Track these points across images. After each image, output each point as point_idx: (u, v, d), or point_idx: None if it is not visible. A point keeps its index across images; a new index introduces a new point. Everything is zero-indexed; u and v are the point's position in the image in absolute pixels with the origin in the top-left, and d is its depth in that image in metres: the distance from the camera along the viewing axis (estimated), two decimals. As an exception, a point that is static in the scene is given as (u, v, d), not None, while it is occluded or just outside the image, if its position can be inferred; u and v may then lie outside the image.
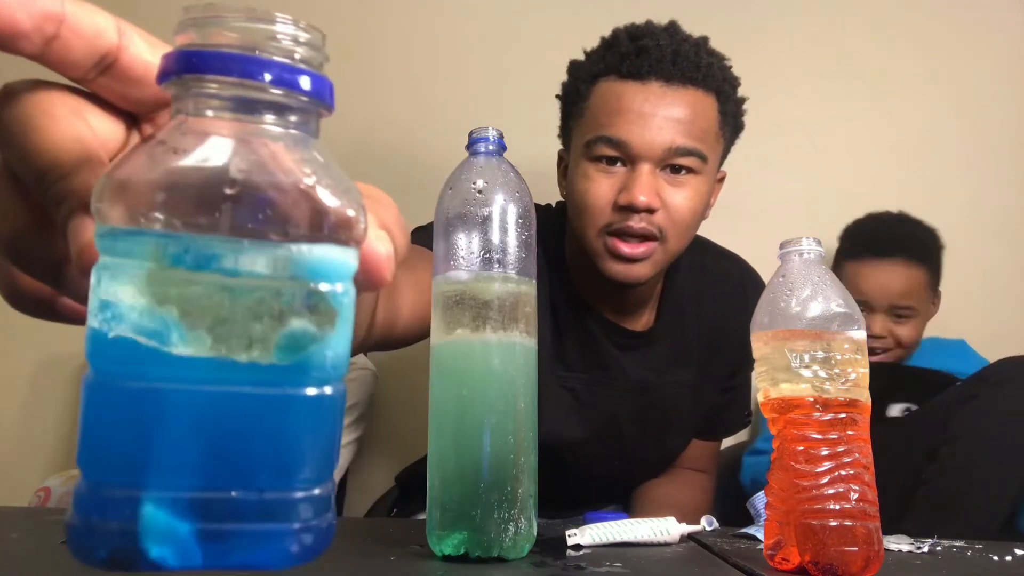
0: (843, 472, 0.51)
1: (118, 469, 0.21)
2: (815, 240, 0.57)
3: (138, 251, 0.21)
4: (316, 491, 0.23)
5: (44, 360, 1.58)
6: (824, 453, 0.52)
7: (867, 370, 0.54)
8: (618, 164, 0.91)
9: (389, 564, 0.52)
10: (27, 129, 0.22)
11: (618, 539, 0.61)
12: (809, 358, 0.53)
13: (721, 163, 1.00)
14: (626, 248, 0.90)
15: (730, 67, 0.98)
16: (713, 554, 0.60)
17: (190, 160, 0.21)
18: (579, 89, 0.97)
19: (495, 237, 0.54)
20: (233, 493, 0.21)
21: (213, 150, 0.21)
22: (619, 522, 0.62)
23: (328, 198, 0.22)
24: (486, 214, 0.54)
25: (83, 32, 0.23)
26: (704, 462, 1.16)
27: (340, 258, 0.23)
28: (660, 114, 0.89)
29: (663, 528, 0.63)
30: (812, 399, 0.52)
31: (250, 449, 0.22)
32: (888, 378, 1.29)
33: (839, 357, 0.53)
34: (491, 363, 0.53)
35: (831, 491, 0.51)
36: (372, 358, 1.42)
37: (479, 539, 0.51)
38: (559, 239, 1.05)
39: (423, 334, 0.71)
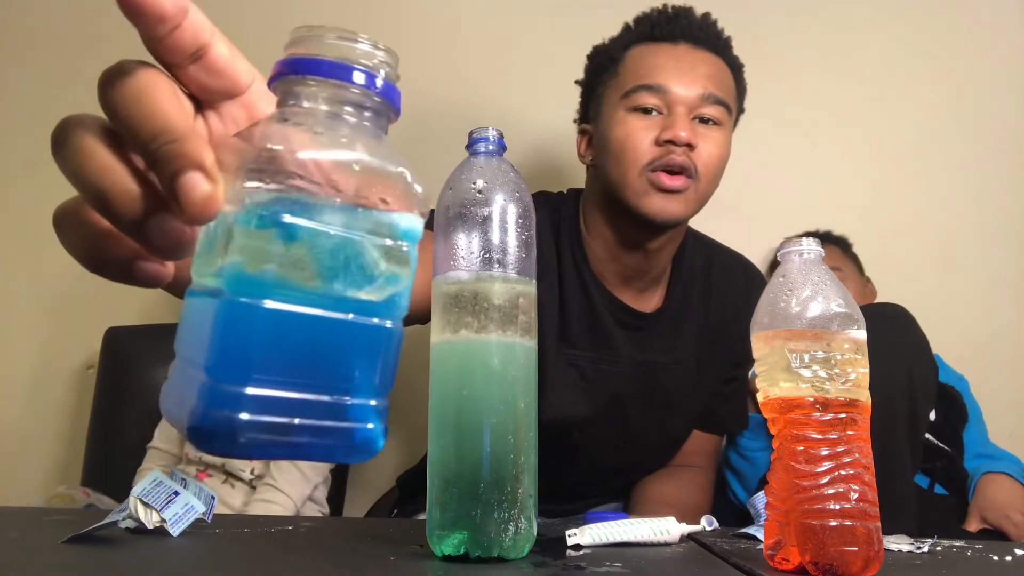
0: (843, 472, 0.51)
1: (242, 372, 0.26)
2: (815, 240, 0.57)
3: (283, 206, 0.27)
4: (379, 402, 0.29)
5: (44, 361, 1.58)
6: (824, 453, 0.52)
7: (867, 370, 0.54)
8: (654, 113, 0.98)
9: (389, 564, 0.52)
10: (143, 97, 0.26)
11: (618, 539, 0.61)
12: (809, 358, 0.53)
13: (731, 135, 1.05)
14: (668, 180, 0.96)
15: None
16: (713, 554, 0.60)
17: (324, 139, 0.28)
18: (612, 56, 1.05)
19: (495, 237, 0.54)
20: (326, 397, 0.28)
21: (338, 133, 0.28)
22: (619, 522, 0.62)
23: (411, 181, 0.29)
24: (486, 214, 0.54)
25: (196, 26, 0.28)
26: (704, 458, 1.17)
27: (416, 225, 0.30)
28: (692, 68, 0.99)
29: (663, 528, 0.63)
30: (812, 399, 0.52)
31: (344, 363, 0.28)
32: None
33: (839, 357, 0.53)
34: (491, 363, 0.53)
35: (831, 491, 0.51)
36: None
37: (479, 539, 0.51)
38: (575, 220, 1.09)
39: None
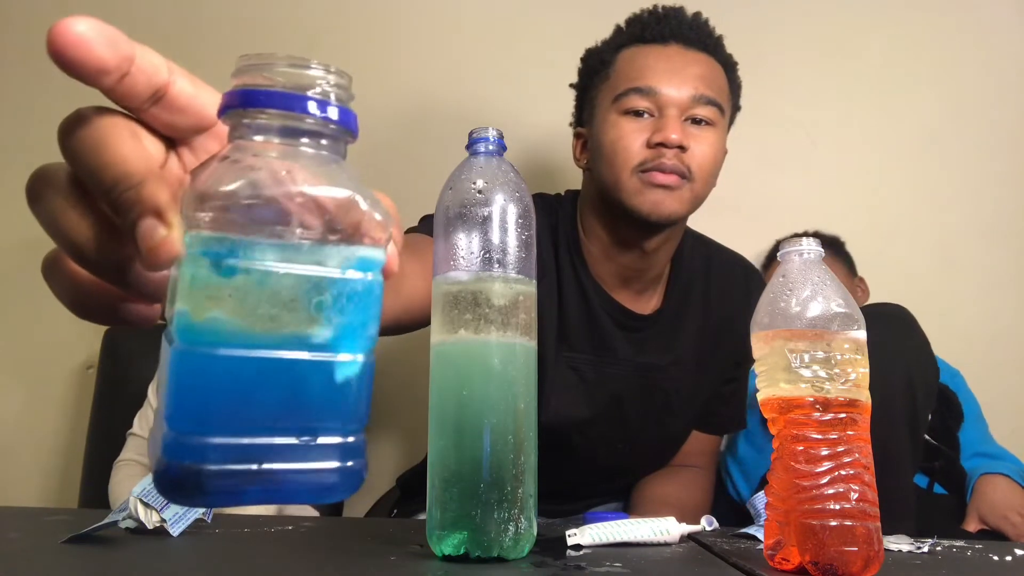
0: (843, 472, 0.51)
1: (200, 421, 0.25)
2: (815, 240, 0.57)
3: (223, 249, 0.26)
4: (354, 439, 0.28)
5: (44, 361, 1.58)
6: (824, 453, 0.52)
7: (867, 370, 0.54)
8: (646, 116, 0.98)
9: (389, 564, 0.52)
10: (100, 146, 0.26)
11: (618, 539, 0.61)
12: (809, 358, 0.53)
13: (726, 134, 1.04)
14: (661, 177, 0.96)
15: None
16: (713, 554, 0.60)
17: (262, 175, 0.26)
18: (604, 59, 1.04)
19: (495, 237, 0.54)
20: (293, 440, 0.27)
21: (278, 168, 0.27)
22: (619, 522, 0.62)
23: (366, 208, 0.28)
24: (486, 214, 0.54)
25: (146, 70, 0.27)
26: (704, 458, 1.17)
27: (374, 254, 0.29)
28: (683, 69, 0.98)
29: (663, 528, 0.63)
30: (812, 399, 0.52)
31: (308, 404, 0.27)
32: None
33: (839, 357, 0.53)
34: (491, 363, 0.53)
35: (831, 491, 0.51)
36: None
37: (479, 539, 0.51)
38: (573, 222, 1.09)
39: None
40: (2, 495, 1.49)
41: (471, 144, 0.58)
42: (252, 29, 1.63)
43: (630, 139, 0.97)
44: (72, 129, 0.27)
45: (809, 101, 1.65)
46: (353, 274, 0.28)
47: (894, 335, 1.00)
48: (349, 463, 0.28)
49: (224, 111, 0.28)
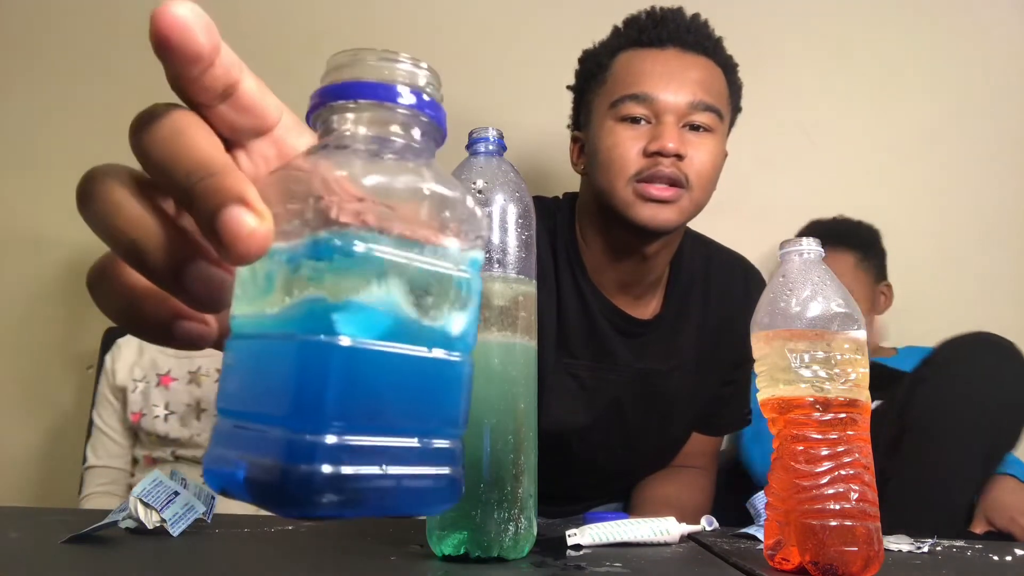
0: (843, 472, 0.51)
1: (329, 419, 0.24)
2: (815, 240, 0.57)
3: (350, 237, 0.25)
4: (454, 444, 0.27)
5: (44, 361, 1.58)
6: (824, 453, 0.52)
7: (867, 370, 0.54)
8: (642, 123, 0.96)
9: (389, 564, 0.52)
10: (177, 136, 0.26)
11: (618, 539, 0.61)
12: (809, 358, 0.53)
13: (725, 138, 1.03)
14: (655, 190, 0.94)
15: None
16: (713, 554, 0.60)
17: (392, 165, 0.26)
18: (600, 63, 1.03)
19: (495, 237, 0.54)
20: (414, 442, 0.26)
21: (403, 159, 0.27)
22: (619, 522, 0.62)
23: (474, 207, 0.28)
24: (486, 214, 0.54)
25: (226, 63, 0.27)
26: (704, 459, 1.17)
27: (481, 255, 0.29)
28: (681, 74, 0.97)
29: (663, 528, 0.63)
30: (812, 399, 0.52)
31: (428, 403, 0.26)
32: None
33: (839, 357, 0.53)
34: (491, 363, 0.53)
35: (831, 491, 0.51)
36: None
37: (479, 539, 0.51)
38: (571, 227, 1.08)
39: None
40: (2, 495, 1.49)
41: (471, 144, 0.58)
42: (252, 30, 1.63)
43: (626, 147, 0.95)
44: (145, 123, 0.26)
45: (809, 101, 1.65)
46: (468, 273, 0.28)
47: (997, 363, 1.02)
48: (453, 470, 0.27)
49: (320, 106, 0.28)
